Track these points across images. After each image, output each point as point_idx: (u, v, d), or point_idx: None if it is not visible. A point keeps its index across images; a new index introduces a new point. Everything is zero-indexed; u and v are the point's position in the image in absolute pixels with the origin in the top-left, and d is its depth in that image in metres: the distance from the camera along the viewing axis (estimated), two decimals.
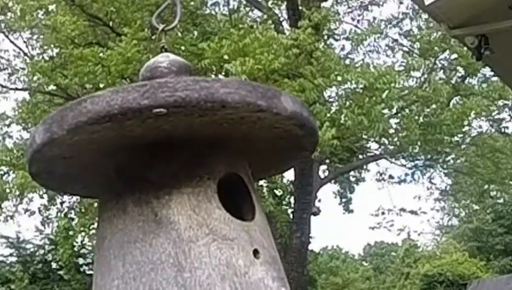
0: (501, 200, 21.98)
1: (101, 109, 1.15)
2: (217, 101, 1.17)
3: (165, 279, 1.18)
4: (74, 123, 1.17)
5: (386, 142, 13.73)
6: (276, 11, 13.05)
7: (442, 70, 13.83)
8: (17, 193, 11.69)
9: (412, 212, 17.03)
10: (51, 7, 11.60)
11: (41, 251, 17.94)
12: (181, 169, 1.26)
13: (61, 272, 16.60)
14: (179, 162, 1.27)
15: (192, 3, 11.87)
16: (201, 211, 1.23)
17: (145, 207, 1.24)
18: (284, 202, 13.84)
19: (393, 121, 12.62)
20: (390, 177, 16.30)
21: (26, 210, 13.20)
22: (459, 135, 13.85)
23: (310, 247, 15.00)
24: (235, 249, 1.22)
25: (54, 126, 1.20)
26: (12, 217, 13.03)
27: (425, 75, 12.87)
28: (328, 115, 9.86)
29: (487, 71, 12.26)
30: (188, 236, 1.21)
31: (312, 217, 13.06)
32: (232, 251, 1.22)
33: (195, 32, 11.68)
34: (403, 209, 16.89)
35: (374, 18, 14.42)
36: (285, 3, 12.42)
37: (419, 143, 12.62)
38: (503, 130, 14.85)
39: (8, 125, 13.16)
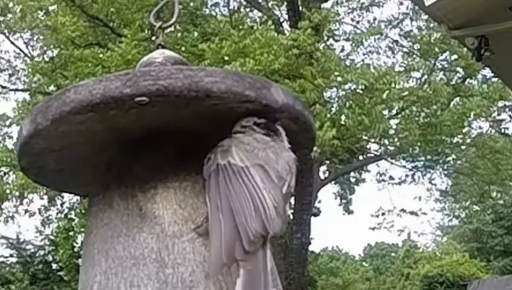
0: (501, 201, 21.94)
1: (84, 98, 1.14)
2: (201, 90, 1.14)
3: (146, 275, 1.15)
4: (58, 113, 1.16)
5: (386, 143, 13.72)
6: (277, 12, 13.05)
7: (442, 71, 13.82)
8: (18, 193, 11.72)
9: (412, 213, 17.01)
10: (51, 8, 11.60)
11: (42, 252, 17.98)
12: (168, 163, 1.24)
13: (61, 273, 16.61)
14: (166, 156, 1.25)
15: (192, 4, 11.87)
16: (187, 206, 1.21)
17: (130, 201, 1.22)
18: None
19: (393, 121, 12.62)
20: (391, 178, 16.29)
21: (27, 211, 13.24)
22: (459, 136, 13.84)
23: (310, 248, 14.98)
24: None
25: (39, 117, 1.18)
26: (12, 217, 13.06)
27: (426, 76, 12.87)
28: (329, 115, 9.85)
29: (487, 72, 12.25)
30: (172, 231, 1.18)
31: (312, 218, 13.06)
32: None
33: (196, 33, 11.68)
34: (403, 210, 16.88)
35: (374, 19, 14.42)
36: (286, 3, 12.41)
37: (419, 144, 12.60)
38: (503, 131, 14.84)
39: (9, 126, 13.19)
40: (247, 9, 13.47)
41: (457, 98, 13.41)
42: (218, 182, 1.12)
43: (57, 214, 13.91)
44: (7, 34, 12.49)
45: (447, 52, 12.98)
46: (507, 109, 14.60)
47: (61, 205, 13.62)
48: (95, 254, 1.23)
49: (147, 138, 1.24)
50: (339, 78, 9.95)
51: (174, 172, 1.23)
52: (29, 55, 13.01)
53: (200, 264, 1.17)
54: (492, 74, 10.21)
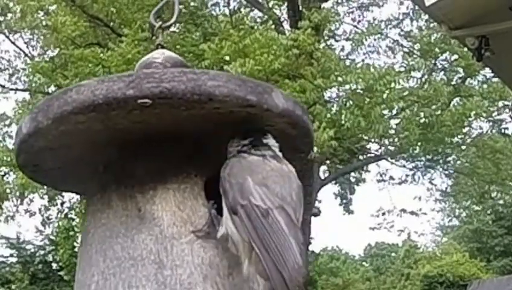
0: (501, 201, 21.92)
1: (86, 98, 1.13)
2: (204, 93, 1.13)
3: (144, 276, 1.15)
4: (59, 112, 1.15)
5: (387, 143, 13.71)
6: (277, 12, 13.04)
7: (442, 71, 13.81)
8: (18, 193, 11.70)
9: (413, 213, 16.98)
10: (52, 8, 11.59)
11: (42, 252, 17.94)
12: (167, 165, 1.23)
13: (61, 273, 16.56)
14: (166, 158, 1.24)
15: (193, 3, 11.86)
16: (186, 208, 1.20)
17: (129, 202, 1.21)
18: None
19: (393, 121, 12.61)
20: (391, 178, 16.24)
21: (27, 211, 13.21)
22: (460, 136, 13.82)
23: (310, 248, 14.98)
24: (219, 248, 1.18)
25: (40, 115, 1.18)
26: (12, 217, 13.04)
27: (426, 76, 12.86)
28: (329, 115, 9.84)
29: (487, 72, 12.24)
30: (171, 233, 1.17)
31: (312, 217, 13.03)
32: (217, 251, 1.18)
33: (197, 33, 11.67)
34: (403, 210, 16.85)
35: (374, 19, 14.39)
36: (286, 3, 12.40)
37: (419, 143, 12.59)
38: (503, 131, 14.81)
39: (9, 126, 13.16)
40: (248, 9, 13.46)
41: (458, 98, 13.39)
42: (254, 227, 1.10)
43: (57, 213, 13.87)
44: (7, 34, 12.48)
45: (447, 52, 12.96)
46: (507, 109, 14.58)
47: (62, 204, 13.58)
48: (92, 253, 1.22)
49: (147, 139, 1.23)
50: (339, 79, 9.94)
51: (173, 174, 1.23)
52: (29, 55, 13.01)
53: (198, 266, 1.16)
54: (493, 74, 10.20)
